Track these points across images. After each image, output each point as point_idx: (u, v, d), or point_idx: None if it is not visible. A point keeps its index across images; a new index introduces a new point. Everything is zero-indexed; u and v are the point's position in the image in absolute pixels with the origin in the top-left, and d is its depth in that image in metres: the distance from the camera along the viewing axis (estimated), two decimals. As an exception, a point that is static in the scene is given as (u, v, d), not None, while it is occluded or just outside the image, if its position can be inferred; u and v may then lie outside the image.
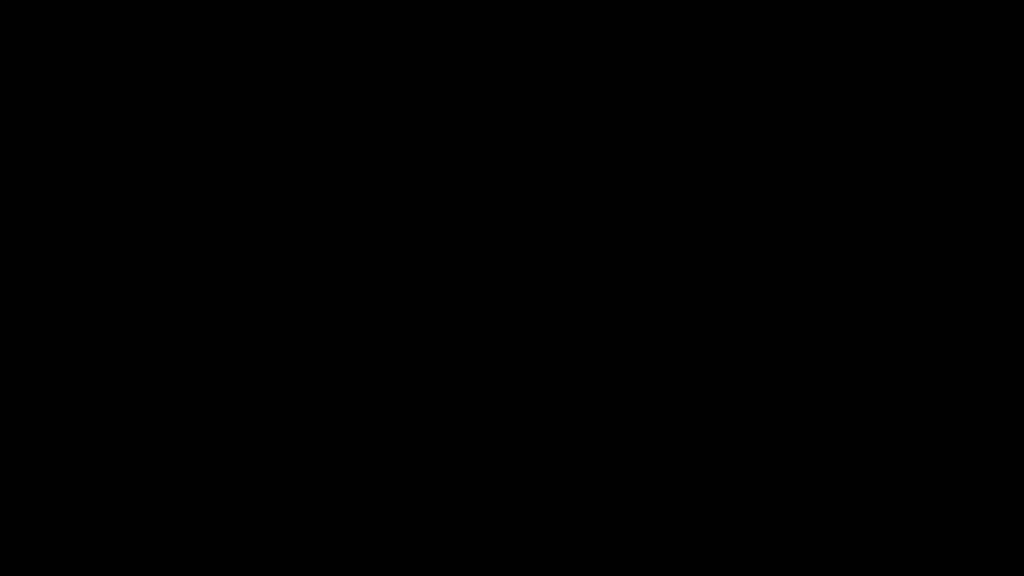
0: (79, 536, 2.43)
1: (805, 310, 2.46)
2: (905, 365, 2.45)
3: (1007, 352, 2.44)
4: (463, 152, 2.50)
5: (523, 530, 2.44)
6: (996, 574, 2.39)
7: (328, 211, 2.49)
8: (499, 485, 2.45)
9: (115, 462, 2.44)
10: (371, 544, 2.44)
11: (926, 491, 2.42)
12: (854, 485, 2.43)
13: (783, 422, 2.45)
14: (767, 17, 2.48)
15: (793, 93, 2.48)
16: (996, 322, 2.44)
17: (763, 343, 2.46)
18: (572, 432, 2.46)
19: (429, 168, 2.50)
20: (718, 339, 2.46)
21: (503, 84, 2.50)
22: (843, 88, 2.48)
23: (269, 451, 2.45)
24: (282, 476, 2.45)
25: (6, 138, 2.48)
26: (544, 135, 2.49)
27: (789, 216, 2.47)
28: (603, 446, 2.45)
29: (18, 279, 2.46)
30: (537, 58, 2.50)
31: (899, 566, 2.41)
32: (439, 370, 2.47)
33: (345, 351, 2.47)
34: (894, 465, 2.43)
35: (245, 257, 2.47)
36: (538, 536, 2.44)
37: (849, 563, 2.42)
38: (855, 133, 2.48)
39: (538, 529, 2.44)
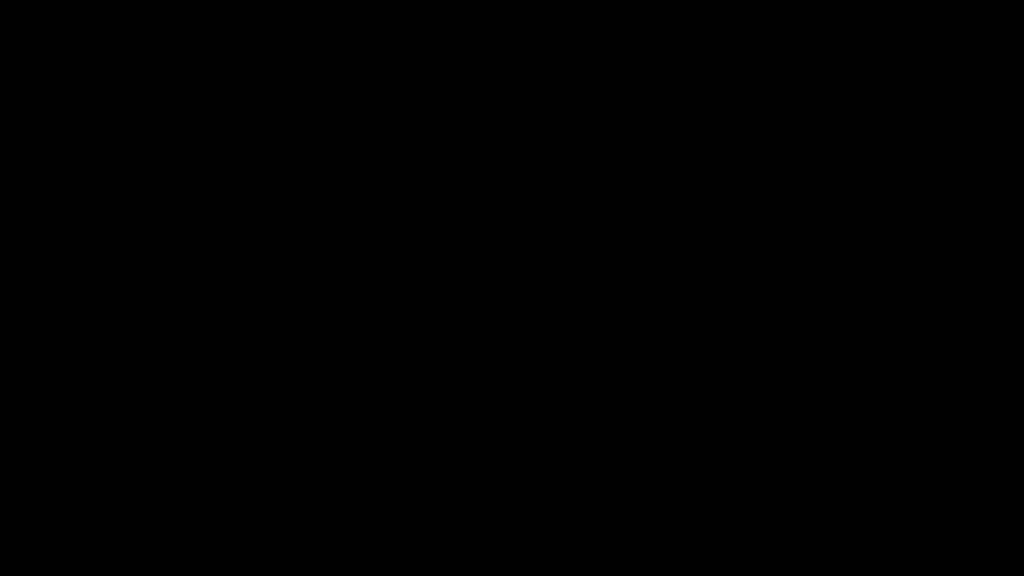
0: (79, 536, 2.43)
1: (805, 310, 2.46)
2: (905, 365, 2.45)
3: (1007, 352, 2.44)
4: (463, 152, 2.50)
5: (523, 530, 2.44)
6: (996, 574, 2.39)
7: (328, 211, 2.49)
8: (499, 485, 2.45)
9: (115, 462, 2.44)
10: (371, 544, 2.44)
11: (926, 491, 2.43)
12: (854, 485, 2.43)
13: (783, 422, 2.45)
14: (767, 17, 2.49)
15: (793, 93, 2.49)
16: (996, 322, 2.45)
17: (763, 343, 2.46)
18: (572, 432, 2.46)
19: (429, 168, 2.50)
20: (718, 339, 2.46)
21: (503, 84, 2.50)
22: (843, 88, 2.48)
23: (269, 451, 2.45)
24: (282, 476, 2.45)
25: (6, 138, 2.48)
26: (544, 135, 2.50)
27: (789, 216, 2.48)
28: (603, 446, 2.46)
29: (18, 279, 2.46)
30: (537, 58, 2.50)
31: (899, 566, 2.41)
32: (439, 370, 2.47)
33: (345, 351, 2.47)
34: (894, 465, 2.43)
35: (245, 257, 2.48)
36: (538, 536, 2.44)
37: (849, 563, 2.42)
38: (855, 133, 2.48)
39: (538, 529, 2.44)
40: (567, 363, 2.47)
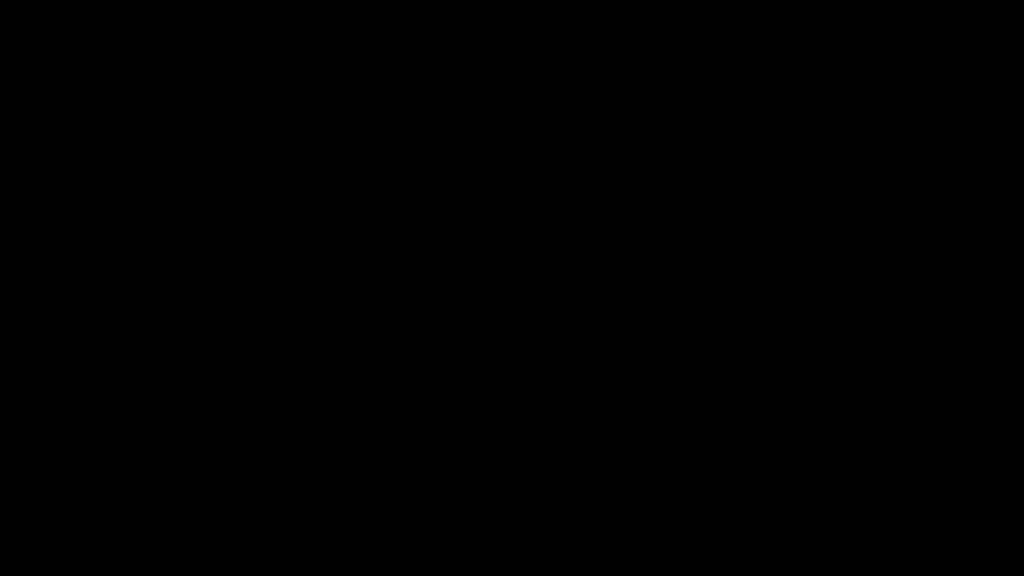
0: (79, 536, 2.43)
1: (805, 310, 2.46)
2: (905, 365, 2.45)
3: (1007, 352, 2.44)
4: (463, 152, 2.50)
5: (523, 530, 2.44)
6: (996, 574, 2.40)
7: (328, 211, 2.49)
8: (499, 485, 2.45)
9: (115, 462, 2.45)
10: (371, 544, 2.44)
11: (926, 491, 2.43)
12: (854, 485, 2.43)
13: (783, 422, 2.45)
14: (767, 17, 2.49)
15: (793, 93, 2.49)
16: (996, 322, 2.45)
17: (763, 343, 2.46)
18: (572, 432, 2.46)
19: (429, 168, 2.50)
20: (718, 339, 2.46)
21: (503, 84, 2.50)
22: (843, 88, 2.48)
23: (269, 451, 2.45)
24: (282, 476, 2.45)
25: (6, 138, 2.48)
26: (544, 135, 2.50)
27: (789, 216, 2.48)
28: (603, 446, 2.46)
29: (18, 279, 2.46)
30: (537, 58, 2.50)
31: (899, 566, 2.41)
32: (439, 370, 2.47)
33: (345, 351, 2.47)
34: (894, 465, 2.43)
35: (245, 257, 2.48)
36: (538, 536, 2.44)
37: (849, 563, 2.42)
38: (855, 133, 2.48)
39: (538, 529, 2.44)
40: (567, 363, 2.47)
